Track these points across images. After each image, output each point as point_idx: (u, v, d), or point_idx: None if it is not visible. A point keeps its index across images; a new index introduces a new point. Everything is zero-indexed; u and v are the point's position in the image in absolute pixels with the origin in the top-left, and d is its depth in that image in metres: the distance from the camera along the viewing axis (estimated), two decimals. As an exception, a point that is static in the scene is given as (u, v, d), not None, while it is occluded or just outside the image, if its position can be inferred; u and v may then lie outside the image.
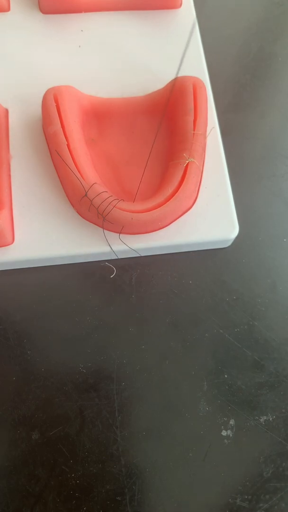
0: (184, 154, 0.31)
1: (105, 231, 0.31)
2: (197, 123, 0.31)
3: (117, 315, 0.31)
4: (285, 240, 0.34)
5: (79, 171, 0.30)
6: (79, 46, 0.36)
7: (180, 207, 0.31)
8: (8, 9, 0.36)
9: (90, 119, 0.34)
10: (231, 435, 0.28)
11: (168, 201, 0.30)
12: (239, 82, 0.39)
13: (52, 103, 0.31)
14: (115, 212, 0.29)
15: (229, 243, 0.33)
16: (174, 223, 0.31)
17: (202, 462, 0.28)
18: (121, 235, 0.31)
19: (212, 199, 0.32)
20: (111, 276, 0.31)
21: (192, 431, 0.28)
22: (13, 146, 0.32)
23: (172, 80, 0.33)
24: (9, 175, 0.31)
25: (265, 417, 0.29)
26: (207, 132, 0.32)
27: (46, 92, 0.32)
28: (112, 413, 0.28)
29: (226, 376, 0.30)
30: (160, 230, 0.31)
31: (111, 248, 0.31)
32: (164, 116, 0.33)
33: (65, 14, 0.36)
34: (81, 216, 0.31)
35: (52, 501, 0.27)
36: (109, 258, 0.32)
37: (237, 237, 0.32)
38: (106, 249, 0.31)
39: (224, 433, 0.28)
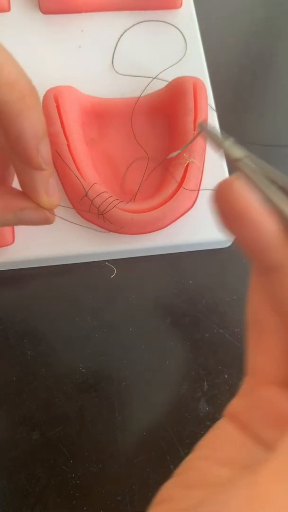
0: (184, 154, 0.30)
1: (105, 231, 0.31)
2: (197, 123, 0.31)
3: (117, 315, 0.31)
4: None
5: (79, 171, 0.30)
6: (79, 46, 0.36)
7: (180, 208, 0.31)
8: (8, 9, 0.36)
9: (90, 119, 0.34)
10: (231, 435, 0.28)
11: (168, 201, 0.30)
12: (240, 82, 0.39)
13: (52, 103, 0.31)
14: (115, 212, 0.29)
15: (229, 244, 0.33)
16: (174, 223, 0.31)
17: (202, 462, 0.28)
18: (121, 235, 0.31)
19: (212, 199, 0.32)
20: (111, 276, 0.31)
21: (192, 431, 0.28)
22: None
23: (172, 80, 0.33)
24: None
25: (265, 417, 0.29)
26: (207, 132, 0.32)
27: (46, 92, 0.32)
28: (112, 413, 0.28)
29: (226, 376, 0.30)
30: (160, 230, 0.31)
31: (111, 248, 0.31)
32: (164, 117, 0.34)
33: (65, 14, 0.36)
34: (81, 216, 0.31)
35: (52, 501, 0.27)
36: (109, 258, 0.32)
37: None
38: (106, 249, 0.31)
39: (224, 433, 0.28)
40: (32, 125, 0.20)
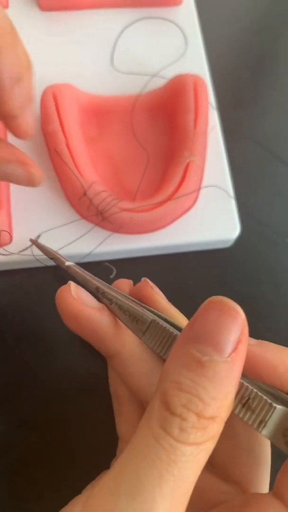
0: (185, 153, 0.30)
1: (105, 230, 0.30)
2: (197, 121, 0.31)
3: (116, 316, 0.30)
4: (287, 240, 0.34)
5: (78, 170, 0.29)
6: (79, 44, 0.35)
7: (181, 207, 0.30)
8: (6, 6, 0.36)
9: (89, 117, 0.33)
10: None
11: (168, 200, 0.29)
12: (240, 80, 0.39)
13: (51, 101, 0.31)
14: (114, 212, 0.28)
15: (230, 243, 0.33)
16: (174, 223, 0.31)
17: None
18: (120, 235, 0.30)
19: (213, 198, 0.32)
20: (111, 276, 0.31)
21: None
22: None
23: (172, 78, 0.33)
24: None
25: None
26: (208, 131, 0.32)
27: (44, 90, 0.31)
28: (112, 416, 0.28)
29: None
30: (160, 230, 0.31)
31: (110, 248, 0.30)
32: (164, 115, 0.33)
33: (64, 11, 0.36)
34: (80, 215, 0.30)
35: (51, 504, 0.26)
36: (108, 258, 0.31)
37: (238, 237, 0.32)
38: (106, 249, 0.30)
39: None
40: (7, 64, 0.20)
